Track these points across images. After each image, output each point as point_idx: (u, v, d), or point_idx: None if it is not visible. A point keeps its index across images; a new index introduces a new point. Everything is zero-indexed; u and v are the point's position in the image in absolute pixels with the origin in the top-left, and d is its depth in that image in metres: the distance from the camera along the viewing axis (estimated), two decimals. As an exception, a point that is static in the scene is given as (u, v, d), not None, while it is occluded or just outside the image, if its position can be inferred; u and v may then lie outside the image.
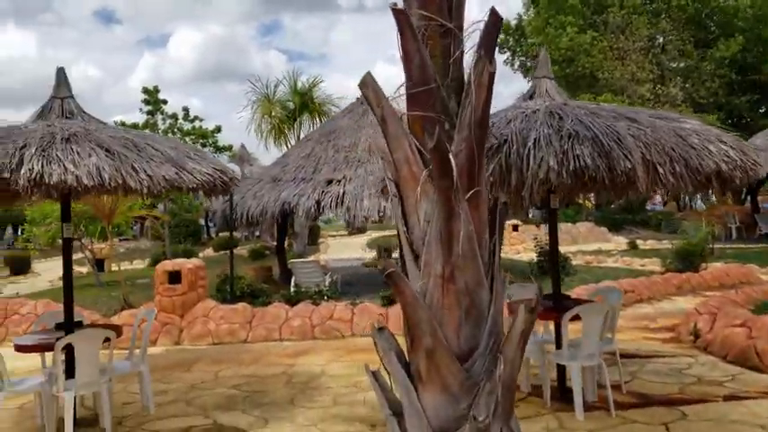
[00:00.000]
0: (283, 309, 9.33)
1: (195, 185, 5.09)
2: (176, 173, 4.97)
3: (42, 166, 4.45)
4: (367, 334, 8.80)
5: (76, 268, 20.51)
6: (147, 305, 9.66)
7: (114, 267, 19.49)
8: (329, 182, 11.76)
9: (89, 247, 14.97)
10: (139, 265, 21.30)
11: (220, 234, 30.21)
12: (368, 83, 2.60)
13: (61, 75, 5.76)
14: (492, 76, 2.44)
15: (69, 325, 5.69)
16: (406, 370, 2.56)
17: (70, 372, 5.40)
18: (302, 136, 21.89)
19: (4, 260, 21.63)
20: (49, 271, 21.75)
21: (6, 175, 4.37)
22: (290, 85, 22.08)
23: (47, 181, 4.39)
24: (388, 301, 9.67)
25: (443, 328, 2.45)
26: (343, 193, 11.29)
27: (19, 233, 35.76)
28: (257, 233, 28.17)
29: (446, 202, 2.40)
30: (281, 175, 12.63)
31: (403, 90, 2.58)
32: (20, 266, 20.83)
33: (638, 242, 20.52)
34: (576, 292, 9.39)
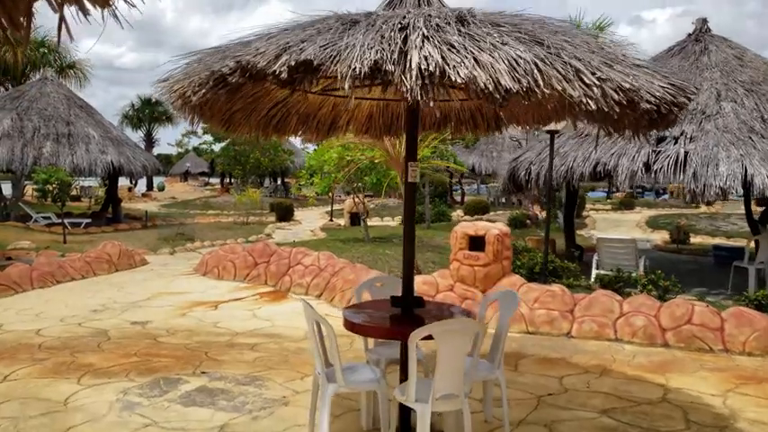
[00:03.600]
0: (615, 299, 7.07)
1: (650, 104, 3.01)
2: (633, 79, 2.93)
3: (442, 56, 2.73)
4: (758, 353, 6.15)
5: (335, 220, 20.66)
6: (440, 272, 8.13)
7: (370, 223, 19.06)
8: (660, 140, 9.05)
9: (359, 200, 14.15)
10: (389, 222, 20.69)
11: (469, 198, 28.92)
12: None
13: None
14: None
15: (408, 302, 4.14)
16: None
17: (403, 369, 3.88)
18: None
19: (270, 207, 22.67)
20: (306, 219, 22.32)
21: (389, 67, 2.72)
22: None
23: (452, 78, 2.65)
24: (760, 305, 6.87)
25: None
26: (685, 155, 8.53)
27: (278, 182, 38.66)
28: (511, 199, 26.00)
29: None
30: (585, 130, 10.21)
31: None
32: (283, 214, 21.62)
33: None
34: None
